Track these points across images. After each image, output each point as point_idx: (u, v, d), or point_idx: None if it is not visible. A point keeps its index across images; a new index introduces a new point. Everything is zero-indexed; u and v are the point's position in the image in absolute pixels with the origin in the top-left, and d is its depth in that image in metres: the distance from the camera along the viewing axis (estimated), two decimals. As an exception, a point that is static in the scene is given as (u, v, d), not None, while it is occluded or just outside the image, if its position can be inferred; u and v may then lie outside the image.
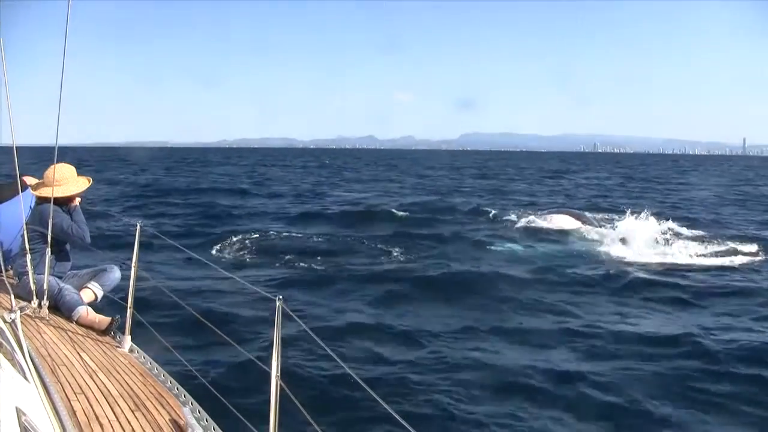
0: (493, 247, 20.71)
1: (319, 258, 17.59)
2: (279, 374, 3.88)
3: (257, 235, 20.93)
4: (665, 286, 15.19)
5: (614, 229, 22.89)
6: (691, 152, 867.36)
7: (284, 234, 21.94)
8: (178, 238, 19.62)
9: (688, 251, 19.78)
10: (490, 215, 29.83)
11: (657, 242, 20.95)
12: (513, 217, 28.65)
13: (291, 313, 3.95)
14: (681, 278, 15.99)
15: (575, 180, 66.51)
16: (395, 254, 18.70)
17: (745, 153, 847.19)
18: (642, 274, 16.32)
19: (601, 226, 24.74)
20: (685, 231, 24.25)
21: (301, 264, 16.60)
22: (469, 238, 22.47)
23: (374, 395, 3.30)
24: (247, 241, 20.06)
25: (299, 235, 21.89)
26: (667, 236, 22.06)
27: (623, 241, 20.61)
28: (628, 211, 22.98)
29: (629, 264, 17.75)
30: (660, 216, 25.75)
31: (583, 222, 25.56)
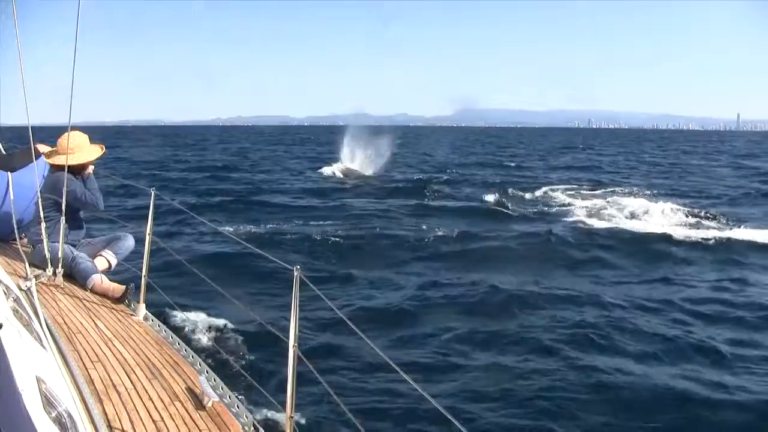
0: (547, 221, 20.93)
1: (354, 231, 17.58)
2: (297, 344, 3.88)
3: (280, 212, 21.03)
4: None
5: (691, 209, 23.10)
6: (685, 127, 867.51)
7: (310, 212, 21.85)
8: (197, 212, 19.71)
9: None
10: (526, 192, 29.70)
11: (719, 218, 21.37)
12: (554, 194, 28.86)
13: (309, 283, 3.93)
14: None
15: (595, 156, 65.97)
16: (434, 228, 18.56)
17: (739, 128, 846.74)
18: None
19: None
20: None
21: (330, 238, 16.43)
22: (522, 215, 22.57)
23: (393, 365, 3.29)
24: (271, 217, 20.00)
25: (327, 212, 21.82)
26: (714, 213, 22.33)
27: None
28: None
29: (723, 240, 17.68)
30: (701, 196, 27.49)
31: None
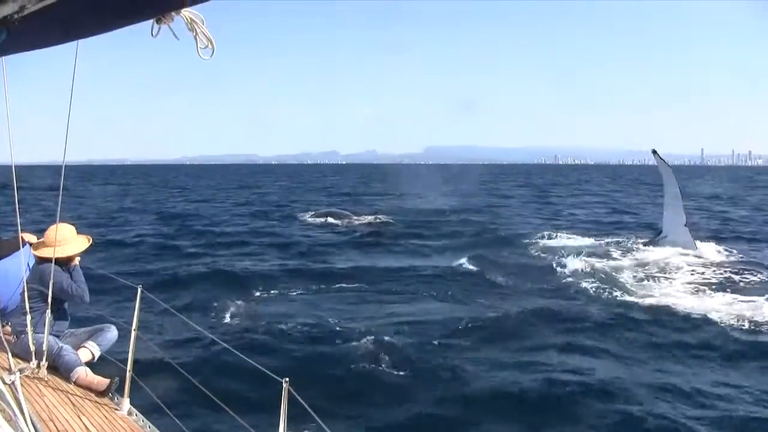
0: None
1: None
2: None
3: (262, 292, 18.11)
4: None
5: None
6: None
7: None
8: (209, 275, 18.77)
9: None
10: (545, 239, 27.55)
11: None
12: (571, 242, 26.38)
13: (298, 397, 3.99)
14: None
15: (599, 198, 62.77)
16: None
17: (703, 163, 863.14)
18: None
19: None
20: None
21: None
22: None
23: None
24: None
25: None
26: None
27: None
28: None
29: None
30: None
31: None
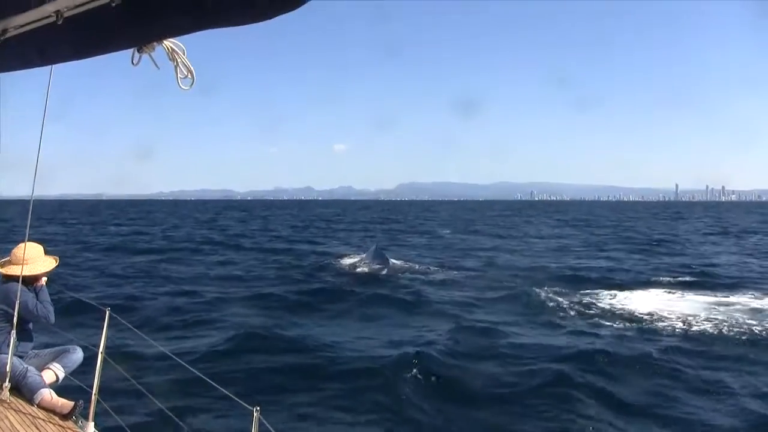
0: None
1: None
2: None
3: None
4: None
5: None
6: (626, 198, 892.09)
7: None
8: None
9: None
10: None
11: None
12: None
13: (268, 425, 3.92)
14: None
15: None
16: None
17: (677, 198, 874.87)
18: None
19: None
20: None
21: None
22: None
23: None
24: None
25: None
26: None
27: None
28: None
29: None
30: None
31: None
